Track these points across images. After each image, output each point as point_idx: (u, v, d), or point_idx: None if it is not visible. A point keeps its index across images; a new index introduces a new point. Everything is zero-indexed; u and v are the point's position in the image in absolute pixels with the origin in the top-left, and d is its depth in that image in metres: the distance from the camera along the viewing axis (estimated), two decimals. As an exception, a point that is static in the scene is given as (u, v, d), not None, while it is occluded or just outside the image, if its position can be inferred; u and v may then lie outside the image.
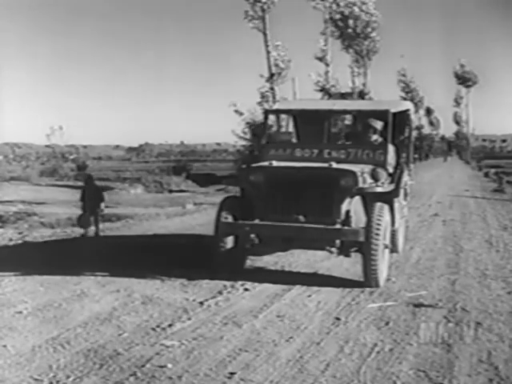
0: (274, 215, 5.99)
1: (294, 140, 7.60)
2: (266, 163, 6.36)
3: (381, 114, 6.90)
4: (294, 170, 6.17)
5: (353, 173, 5.90)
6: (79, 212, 9.41)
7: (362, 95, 26.58)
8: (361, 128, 7.30)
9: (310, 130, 7.57)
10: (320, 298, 5.49)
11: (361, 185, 5.92)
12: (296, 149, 6.92)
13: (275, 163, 6.26)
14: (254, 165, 6.51)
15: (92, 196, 9.22)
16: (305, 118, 7.71)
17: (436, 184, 20.84)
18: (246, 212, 6.16)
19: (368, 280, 5.80)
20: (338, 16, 26.71)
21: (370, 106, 8.19)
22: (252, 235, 6.09)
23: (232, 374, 3.74)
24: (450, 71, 55.31)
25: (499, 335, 4.50)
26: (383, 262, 5.95)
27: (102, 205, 9.34)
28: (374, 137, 6.96)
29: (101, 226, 9.44)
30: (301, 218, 5.91)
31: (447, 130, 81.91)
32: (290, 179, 6.07)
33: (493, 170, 27.76)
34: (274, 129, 15.69)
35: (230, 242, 6.13)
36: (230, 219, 6.12)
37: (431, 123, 58.92)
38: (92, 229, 9.23)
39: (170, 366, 3.86)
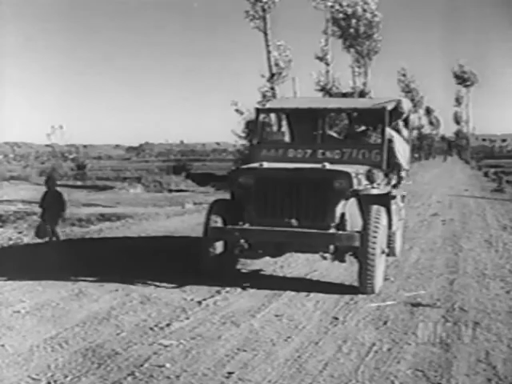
0: (265, 219, 5.74)
1: (287, 140, 7.33)
2: (256, 164, 6.06)
3: (377, 112, 6.71)
4: (286, 172, 5.90)
5: (347, 174, 5.66)
6: (77, 211, 9.10)
7: (362, 95, 26.55)
8: (355, 126, 7.16)
9: (304, 130, 7.34)
10: (318, 297, 5.48)
11: (356, 186, 5.68)
12: (289, 149, 6.66)
13: (266, 164, 5.97)
14: (243, 166, 6.25)
15: (52, 202, 8.04)
16: (298, 117, 7.48)
17: (435, 184, 20.86)
18: (236, 216, 5.90)
19: (363, 286, 5.58)
20: (340, 15, 26.67)
21: (365, 104, 8.03)
22: (242, 240, 5.79)
23: (230, 373, 3.74)
24: (450, 71, 55.39)
25: (497, 335, 4.50)
26: (380, 268, 5.72)
27: (64, 213, 8.21)
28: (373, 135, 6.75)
29: (99, 226, 9.29)
30: (293, 221, 5.66)
31: (447, 129, 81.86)
32: (281, 181, 5.80)
33: (492, 170, 27.80)
34: (275, 128, 15.63)
35: (219, 246, 5.89)
36: (219, 223, 5.88)
37: (431, 123, 58.97)
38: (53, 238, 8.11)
39: (168, 365, 3.86)
